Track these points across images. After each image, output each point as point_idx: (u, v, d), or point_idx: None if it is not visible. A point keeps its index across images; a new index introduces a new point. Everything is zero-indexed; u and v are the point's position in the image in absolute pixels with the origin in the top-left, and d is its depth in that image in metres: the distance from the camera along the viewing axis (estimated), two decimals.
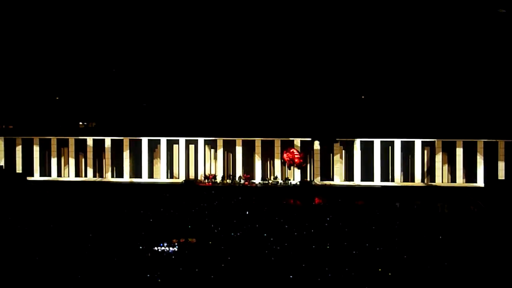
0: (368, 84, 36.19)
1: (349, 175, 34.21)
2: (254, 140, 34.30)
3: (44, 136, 35.34)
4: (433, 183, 33.29)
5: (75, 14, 36.41)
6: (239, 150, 34.31)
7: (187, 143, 34.79)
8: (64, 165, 35.40)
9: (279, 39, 36.21)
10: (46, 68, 37.40)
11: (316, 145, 33.91)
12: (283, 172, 34.15)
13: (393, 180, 33.68)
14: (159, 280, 19.26)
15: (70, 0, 35.76)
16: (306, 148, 34.02)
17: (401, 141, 33.73)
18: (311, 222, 25.11)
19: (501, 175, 32.79)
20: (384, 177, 33.85)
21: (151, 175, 35.00)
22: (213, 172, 34.36)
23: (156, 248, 22.22)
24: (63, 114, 37.24)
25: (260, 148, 34.24)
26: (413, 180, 33.66)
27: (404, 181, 33.74)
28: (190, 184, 32.90)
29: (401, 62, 35.61)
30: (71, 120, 37.21)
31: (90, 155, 35.06)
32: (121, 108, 37.17)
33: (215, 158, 34.41)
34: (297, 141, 34.07)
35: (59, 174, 35.40)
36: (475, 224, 25.55)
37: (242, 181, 33.34)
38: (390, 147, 33.95)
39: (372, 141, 33.76)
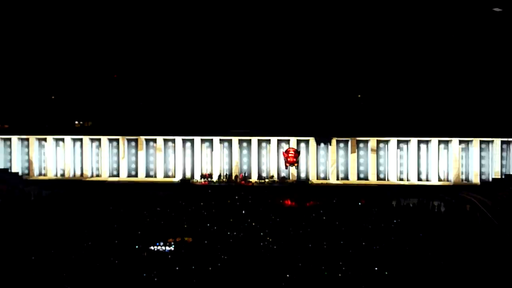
0: (365, 83, 36.26)
1: (345, 174, 34.30)
2: (250, 139, 34.28)
3: (40, 135, 35.18)
4: (429, 182, 33.35)
5: (72, 14, 36.39)
6: (235, 148, 34.24)
7: (184, 142, 34.69)
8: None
9: (277, 39, 36.26)
10: (42, 68, 37.33)
11: (313, 143, 33.90)
12: (279, 171, 34.14)
13: (388, 179, 33.78)
14: (156, 279, 19.29)
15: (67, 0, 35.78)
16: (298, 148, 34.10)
17: (397, 140, 33.76)
18: (307, 221, 25.14)
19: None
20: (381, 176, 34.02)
21: (147, 174, 34.93)
22: (209, 171, 34.30)
23: (152, 248, 22.23)
24: (59, 113, 37.15)
25: (256, 147, 34.20)
26: (408, 179, 33.74)
27: (399, 180, 33.86)
28: (186, 183, 32.83)
29: (398, 61, 35.71)
30: (67, 119, 37.13)
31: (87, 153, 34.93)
32: (117, 107, 37.10)
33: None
34: (293, 140, 34.06)
35: (56, 173, 35.27)
36: (471, 222, 25.65)
37: (238, 180, 33.26)
38: (385, 145, 34.02)
39: (368, 140, 33.81)
